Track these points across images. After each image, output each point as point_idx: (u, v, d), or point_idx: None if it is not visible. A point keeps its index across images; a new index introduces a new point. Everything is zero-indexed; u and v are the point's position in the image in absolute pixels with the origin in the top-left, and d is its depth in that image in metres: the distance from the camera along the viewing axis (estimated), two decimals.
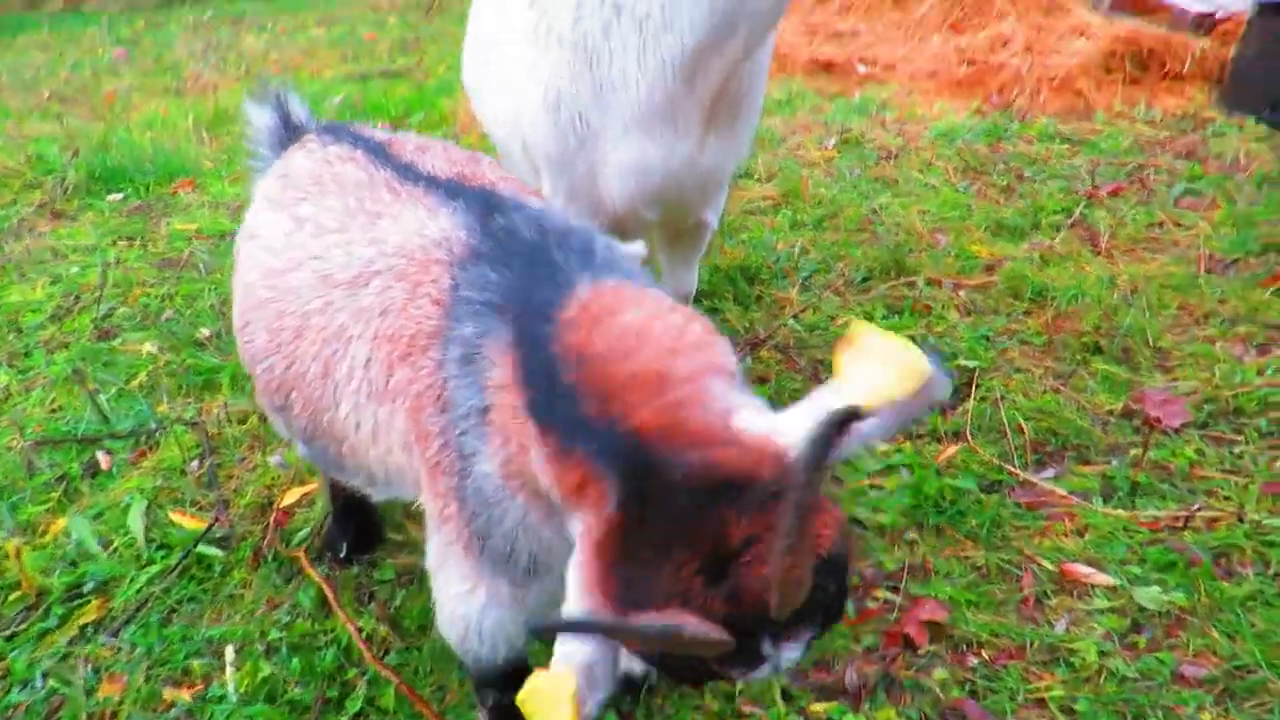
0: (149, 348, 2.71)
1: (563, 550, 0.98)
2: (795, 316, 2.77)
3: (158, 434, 2.33)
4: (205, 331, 2.80)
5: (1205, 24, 4.53)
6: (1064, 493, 2.04)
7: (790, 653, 0.82)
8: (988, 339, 2.61)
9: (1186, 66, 4.38)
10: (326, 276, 1.31)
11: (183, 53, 6.80)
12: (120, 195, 3.93)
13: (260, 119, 1.67)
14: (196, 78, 5.93)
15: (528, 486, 1.04)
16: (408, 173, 1.37)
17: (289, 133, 1.64)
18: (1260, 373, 2.36)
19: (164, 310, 2.96)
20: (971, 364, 2.48)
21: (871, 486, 2.10)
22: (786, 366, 2.55)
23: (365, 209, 1.33)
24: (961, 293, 2.86)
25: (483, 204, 1.25)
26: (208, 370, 2.58)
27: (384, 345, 1.20)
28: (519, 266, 1.12)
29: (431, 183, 1.33)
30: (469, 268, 1.15)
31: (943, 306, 2.78)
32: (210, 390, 2.53)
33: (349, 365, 1.26)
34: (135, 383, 2.56)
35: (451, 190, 1.30)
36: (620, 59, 1.70)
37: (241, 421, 2.38)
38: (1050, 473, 2.13)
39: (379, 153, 1.43)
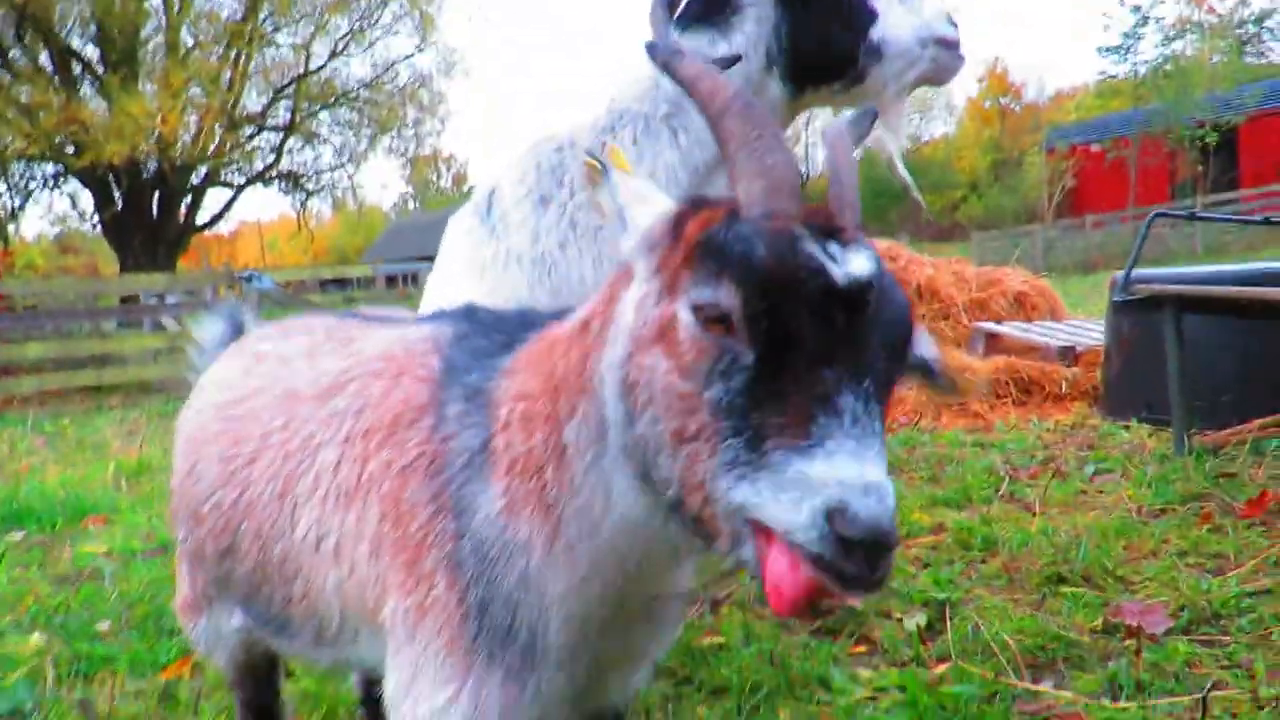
0: (37, 639, 2.39)
1: (572, 615, 1.00)
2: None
3: (35, 715, 1.97)
4: (104, 625, 2.51)
5: (1068, 355, 5.18)
6: (1071, 695, 1.88)
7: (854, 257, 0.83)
8: (951, 582, 2.55)
9: (1064, 388, 4.92)
10: (292, 394, 1.29)
11: (106, 436, 6.85)
12: (22, 533, 3.71)
13: (211, 327, 1.73)
14: (119, 450, 5.93)
15: (541, 498, 1.00)
16: (376, 319, 1.44)
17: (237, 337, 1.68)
18: (1224, 585, 2.34)
19: (57, 615, 2.66)
20: (942, 595, 2.40)
21: (867, 699, 1.89)
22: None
23: (335, 338, 1.36)
24: (913, 549, 2.85)
25: (464, 309, 1.30)
26: (102, 658, 2.26)
27: (359, 441, 1.16)
28: (510, 331, 1.16)
29: (402, 321, 1.40)
30: (460, 344, 1.18)
31: (898, 562, 2.74)
32: (105, 670, 2.20)
33: (314, 474, 1.20)
34: (15, 675, 2.21)
35: (422, 318, 1.37)
36: (577, 266, 1.85)
37: (138, 697, 2.05)
38: (1049, 683, 1.97)
39: (346, 312, 1.51)
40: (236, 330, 1.67)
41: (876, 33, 1.75)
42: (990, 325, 5.72)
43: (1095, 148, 29.37)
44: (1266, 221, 3.99)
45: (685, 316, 0.83)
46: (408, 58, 23.74)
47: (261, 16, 20.45)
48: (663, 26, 1.67)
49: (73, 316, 10.50)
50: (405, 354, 1.18)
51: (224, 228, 31.04)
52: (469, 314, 1.25)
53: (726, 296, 0.80)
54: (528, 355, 1.08)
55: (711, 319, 0.81)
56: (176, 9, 19.85)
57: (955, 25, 1.84)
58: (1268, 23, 35.95)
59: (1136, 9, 25.48)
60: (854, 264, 0.81)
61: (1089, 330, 5.55)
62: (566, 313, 1.12)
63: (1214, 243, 20.79)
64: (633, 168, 1.82)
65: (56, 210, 23.04)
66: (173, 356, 10.72)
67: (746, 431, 0.78)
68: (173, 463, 1.46)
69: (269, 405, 1.29)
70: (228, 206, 24.14)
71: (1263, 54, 36.31)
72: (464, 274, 1.96)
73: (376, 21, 22.70)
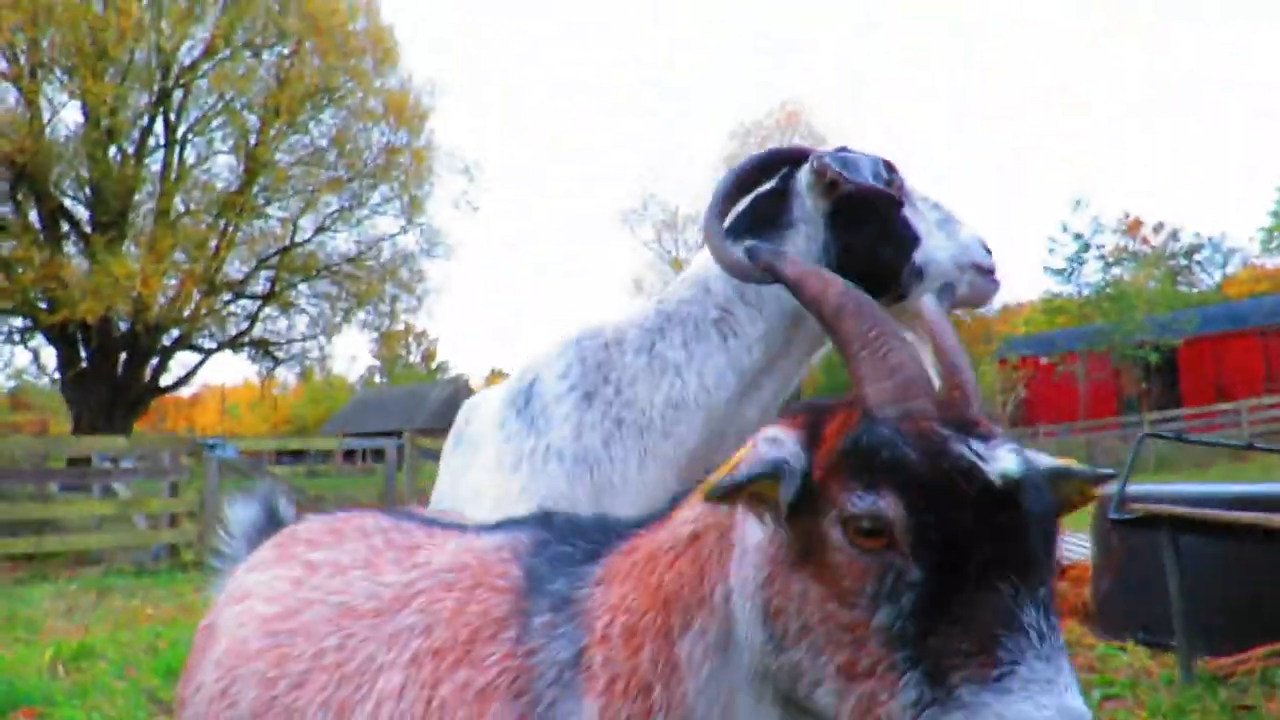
0: None
1: None
2: None
3: None
4: None
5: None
6: None
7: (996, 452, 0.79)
8: None
9: None
10: (348, 609, 1.17)
11: (41, 611, 6.36)
12: None
13: (243, 512, 1.61)
14: (56, 630, 5.48)
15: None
16: (436, 523, 1.34)
17: (272, 528, 1.56)
18: None
19: None
20: None
21: None
22: None
23: (396, 545, 1.25)
24: None
25: (538, 515, 1.23)
26: None
27: (429, 661, 1.05)
28: (592, 538, 1.11)
29: (465, 526, 1.31)
30: (540, 551, 1.10)
31: None
32: None
33: (375, 701, 1.07)
34: None
35: (491, 525, 1.28)
36: (621, 465, 1.81)
37: None
38: None
39: (400, 512, 1.41)
40: (271, 516, 1.56)
41: (920, 256, 1.83)
42: None
43: (1045, 360, 30.74)
44: (1250, 447, 4.11)
45: (837, 534, 0.78)
46: (392, 236, 24.66)
47: (255, 189, 21.29)
48: (718, 237, 1.72)
49: (18, 478, 10.04)
50: (479, 563, 1.10)
51: (184, 391, 30.68)
52: (545, 519, 1.18)
53: (888, 507, 0.75)
54: (623, 565, 1.01)
55: (868, 533, 0.76)
56: (174, 177, 20.61)
57: (990, 252, 1.92)
58: (1196, 256, 39.17)
59: (1079, 236, 27.52)
60: (1004, 460, 0.78)
61: (1072, 545, 5.54)
62: (651, 521, 1.06)
63: (1166, 457, 21.42)
64: (681, 369, 1.84)
65: (16, 364, 22.58)
66: (119, 524, 10.24)
67: (925, 662, 0.72)
68: (195, 677, 1.30)
69: (321, 620, 1.18)
70: (194, 370, 24.02)
71: (1193, 284, 39.24)
72: (498, 467, 1.89)
73: (366, 202, 23.74)
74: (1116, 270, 29.78)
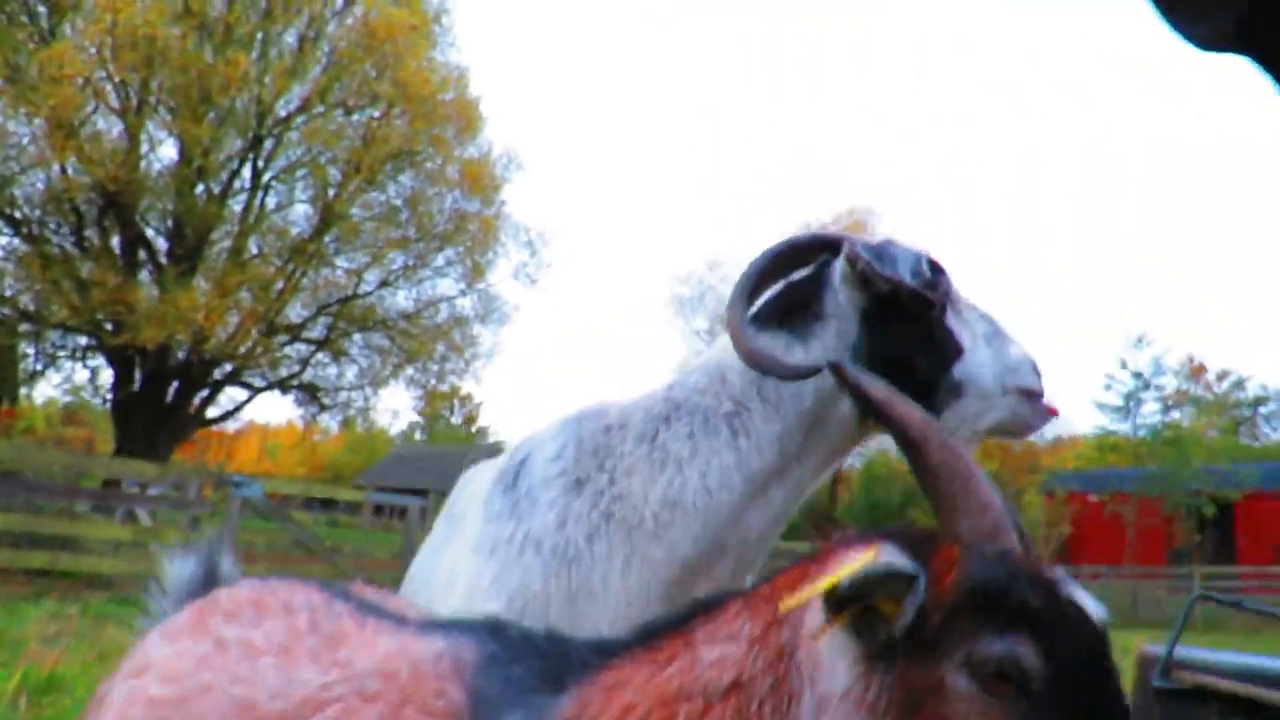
0: None
1: None
2: None
3: None
4: None
5: None
6: None
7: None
8: None
9: None
10: (247, 707, 1.01)
11: (27, 632, 6.28)
12: None
13: (179, 568, 1.44)
14: (34, 655, 5.37)
15: None
16: (374, 610, 1.18)
17: (209, 588, 1.39)
18: None
19: None
20: None
21: None
22: None
23: (320, 630, 1.10)
24: None
25: (486, 624, 1.10)
26: None
27: None
28: (553, 660, 0.96)
29: (404, 620, 1.15)
30: (489, 671, 0.95)
31: None
32: None
33: None
34: None
35: (433, 624, 1.14)
36: (604, 565, 1.62)
37: None
38: None
39: (336, 589, 1.24)
40: (209, 576, 1.41)
41: (959, 370, 1.64)
42: None
43: (1094, 498, 29.69)
44: None
45: (963, 681, 0.72)
46: (450, 299, 25.13)
47: (327, 239, 21.98)
48: (741, 321, 1.60)
49: (49, 493, 10.17)
50: (412, 674, 0.95)
51: (228, 425, 31.21)
52: (495, 630, 1.03)
53: (1026, 652, 0.71)
54: (608, 706, 0.85)
55: (999, 678, 0.71)
56: (252, 220, 21.42)
57: (1040, 375, 1.73)
58: (1262, 409, 37.88)
59: (1138, 375, 26.86)
60: (1092, 602, 0.77)
61: None
62: (629, 647, 0.91)
63: (1214, 616, 20.27)
64: (684, 464, 1.68)
65: (75, 381, 23.24)
66: (134, 552, 10.25)
67: None
68: None
69: (215, 716, 1.01)
70: (241, 406, 24.45)
71: (1256, 437, 37.84)
72: (475, 550, 1.73)
73: (429, 262, 24.31)
74: (1176, 414, 28.90)
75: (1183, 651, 3.71)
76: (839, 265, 1.69)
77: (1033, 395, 1.71)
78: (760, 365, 1.55)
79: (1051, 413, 1.73)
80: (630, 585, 1.61)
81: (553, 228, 26.77)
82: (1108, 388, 27.45)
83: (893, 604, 0.73)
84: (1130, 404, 27.41)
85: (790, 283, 1.76)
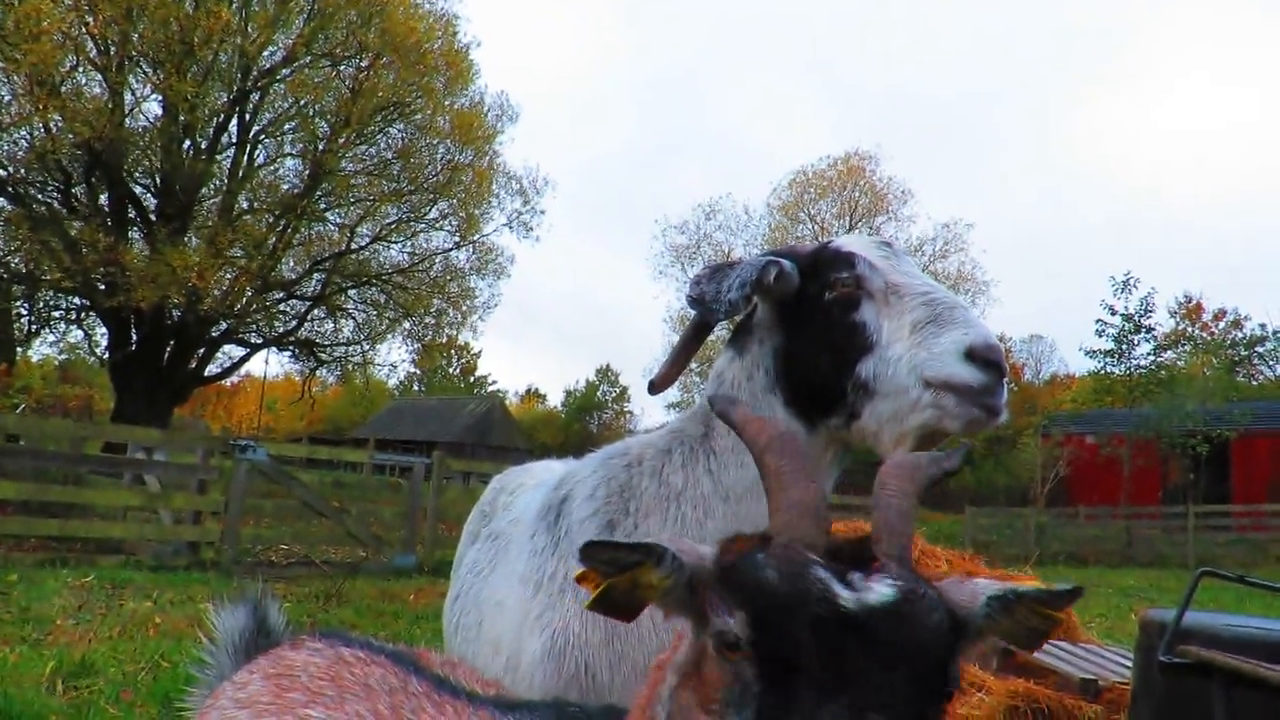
0: None
1: None
2: None
3: None
4: None
5: (1091, 689, 4.84)
6: None
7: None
8: None
9: None
10: None
11: (54, 608, 6.38)
12: None
13: (229, 620, 1.46)
14: (63, 632, 5.47)
15: None
16: (446, 686, 1.19)
17: (262, 639, 1.43)
18: None
19: None
20: None
21: None
22: None
23: (403, 717, 1.11)
24: None
25: (550, 707, 1.13)
26: None
27: None
28: None
29: (476, 698, 1.17)
30: None
31: None
32: None
33: None
34: None
35: (503, 704, 1.16)
36: None
37: None
38: None
39: (407, 661, 1.25)
40: (260, 626, 1.45)
41: (866, 367, 1.50)
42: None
43: (1090, 440, 29.96)
44: None
45: (710, 645, 0.86)
46: (445, 252, 24.95)
47: (318, 194, 21.73)
48: (691, 283, 1.67)
49: (52, 460, 10.19)
50: None
51: (226, 379, 31.23)
52: (560, 710, 1.09)
53: (738, 623, 0.83)
54: None
55: (727, 645, 0.84)
56: (241, 176, 21.13)
57: (985, 363, 1.43)
58: (1258, 348, 38.02)
59: (1127, 317, 26.85)
60: (872, 592, 0.81)
61: (1108, 660, 5.25)
62: None
63: (1206, 554, 20.64)
64: (680, 496, 1.72)
65: (69, 339, 23.15)
66: (144, 516, 10.33)
67: None
68: None
69: None
70: (239, 364, 24.45)
71: (1252, 376, 38.06)
72: (522, 583, 1.80)
73: (423, 215, 24.08)
74: (1170, 355, 28.98)
75: (1191, 617, 3.76)
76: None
77: (962, 390, 1.44)
78: (694, 303, 1.62)
79: (994, 412, 1.47)
80: (659, 622, 1.61)
81: (546, 176, 26.44)
82: (1099, 334, 27.46)
83: (649, 572, 0.90)
84: (1122, 346, 27.44)
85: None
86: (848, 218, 33.92)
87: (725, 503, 1.67)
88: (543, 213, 25.52)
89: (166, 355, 20.73)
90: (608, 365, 60.81)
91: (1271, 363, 39.20)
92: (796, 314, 1.63)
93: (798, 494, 0.91)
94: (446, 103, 22.76)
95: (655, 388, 1.79)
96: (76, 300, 20.54)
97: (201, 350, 22.08)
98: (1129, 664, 4.72)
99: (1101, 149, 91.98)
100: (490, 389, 58.39)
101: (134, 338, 20.23)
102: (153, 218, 20.15)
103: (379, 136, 22.72)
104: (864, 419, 1.54)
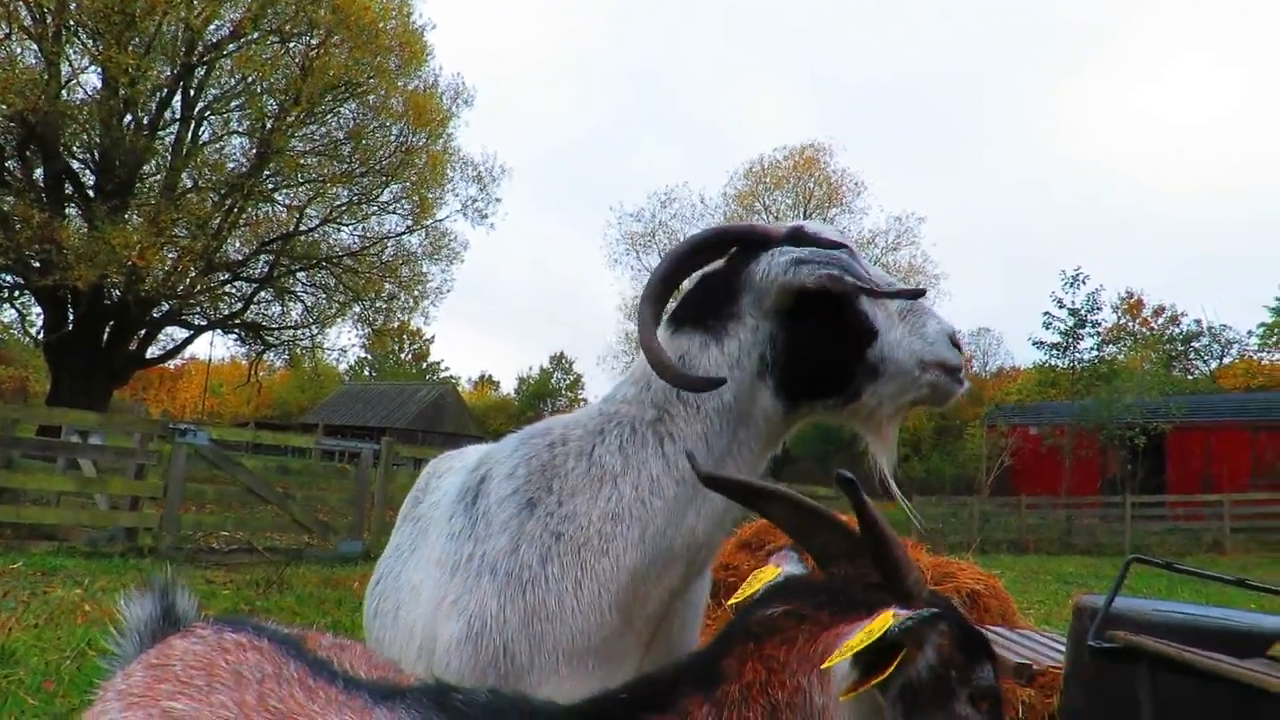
0: None
1: None
2: None
3: None
4: None
5: (1025, 673, 4.95)
6: None
7: None
8: None
9: (1020, 712, 4.65)
10: None
11: None
12: None
13: (136, 609, 1.40)
14: None
15: None
16: (327, 673, 1.16)
17: (168, 628, 1.37)
18: None
19: None
20: None
21: None
22: None
23: (269, 706, 1.08)
24: None
25: (432, 691, 1.09)
26: None
27: None
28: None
29: (352, 683, 1.14)
30: None
31: None
32: None
33: None
34: None
35: (381, 691, 1.12)
36: (557, 586, 1.62)
37: None
38: None
39: (289, 646, 1.21)
40: (167, 614, 1.39)
41: (874, 352, 1.65)
42: None
43: (1034, 431, 30.71)
44: (1241, 583, 3.97)
45: (967, 710, 0.95)
46: (397, 235, 24.54)
47: (266, 174, 21.19)
48: (649, 331, 1.60)
49: None
50: None
51: (169, 363, 30.41)
52: (440, 698, 1.04)
53: (992, 675, 0.99)
54: None
55: (985, 697, 0.97)
56: (185, 153, 20.51)
57: (959, 348, 1.74)
58: (1194, 343, 39.30)
59: (1074, 312, 27.58)
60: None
61: (1043, 646, 5.37)
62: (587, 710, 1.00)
63: (1142, 543, 21.32)
64: (618, 478, 1.67)
65: (2, 319, 22.33)
66: (79, 502, 10.02)
67: None
68: None
69: None
70: (181, 346, 23.80)
71: (1188, 371, 39.33)
72: (439, 566, 1.74)
73: (375, 198, 23.64)
74: (1112, 349, 29.82)
75: (1121, 603, 3.86)
76: (762, 267, 1.67)
77: (951, 368, 1.71)
78: (666, 376, 1.55)
79: (963, 384, 1.76)
80: (584, 603, 1.60)
81: (504, 164, 26.08)
82: (1046, 325, 28.14)
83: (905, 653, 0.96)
84: (1068, 340, 28.17)
85: (706, 276, 1.75)
86: (802, 208, 34.18)
87: (680, 485, 1.64)
88: (499, 200, 25.25)
89: (105, 336, 20.09)
90: (562, 352, 60.67)
91: (1206, 358, 40.57)
92: (808, 306, 1.65)
93: (912, 558, 1.07)
94: (400, 83, 22.35)
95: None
96: (9, 278, 19.78)
97: (143, 332, 21.44)
98: (1063, 649, 4.84)
99: (1064, 144, 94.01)
100: (443, 375, 57.82)
101: (71, 318, 19.57)
102: (91, 194, 19.47)
103: (330, 116, 22.23)
104: (864, 398, 1.68)
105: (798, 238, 1.72)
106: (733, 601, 1.14)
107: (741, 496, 1.33)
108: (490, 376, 69.11)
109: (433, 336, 56.67)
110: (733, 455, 1.68)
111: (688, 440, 1.65)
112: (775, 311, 1.67)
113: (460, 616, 1.63)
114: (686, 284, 1.83)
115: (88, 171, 20.03)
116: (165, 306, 20.77)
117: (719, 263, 1.76)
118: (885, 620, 0.94)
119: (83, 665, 4.14)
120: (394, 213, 24.17)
